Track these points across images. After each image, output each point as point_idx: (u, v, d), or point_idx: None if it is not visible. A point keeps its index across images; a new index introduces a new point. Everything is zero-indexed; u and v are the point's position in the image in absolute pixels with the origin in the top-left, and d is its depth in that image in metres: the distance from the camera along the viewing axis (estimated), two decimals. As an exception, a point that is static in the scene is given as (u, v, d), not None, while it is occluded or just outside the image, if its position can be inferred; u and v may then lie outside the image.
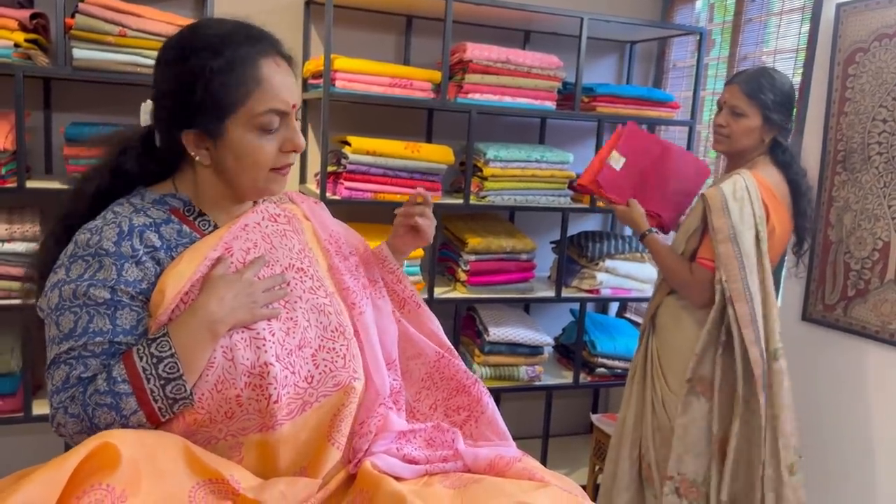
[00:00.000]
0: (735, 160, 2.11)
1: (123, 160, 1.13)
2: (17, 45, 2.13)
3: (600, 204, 2.81)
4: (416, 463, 1.13)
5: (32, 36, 2.20)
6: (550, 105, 2.77)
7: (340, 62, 2.45)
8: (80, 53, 2.18)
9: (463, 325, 2.93)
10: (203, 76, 1.04)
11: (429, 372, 1.35)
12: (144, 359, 0.99)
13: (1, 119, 2.21)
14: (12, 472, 0.98)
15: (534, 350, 2.85)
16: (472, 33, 2.94)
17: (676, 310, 2.15)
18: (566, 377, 3.00)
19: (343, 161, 2.51)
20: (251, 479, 1.01)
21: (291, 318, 1.10)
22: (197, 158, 1.10)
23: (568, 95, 2.87)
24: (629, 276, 2.94)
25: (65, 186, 2.24)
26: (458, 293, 2.76)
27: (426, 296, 2.67)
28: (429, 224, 1.36)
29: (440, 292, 2.74)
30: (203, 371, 1.03)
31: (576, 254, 2.99)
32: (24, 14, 2.15)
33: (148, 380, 0.98)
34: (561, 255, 2.88)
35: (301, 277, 1.17)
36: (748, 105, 2.01)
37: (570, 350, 3.06)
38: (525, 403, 3.36)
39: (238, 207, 1.18)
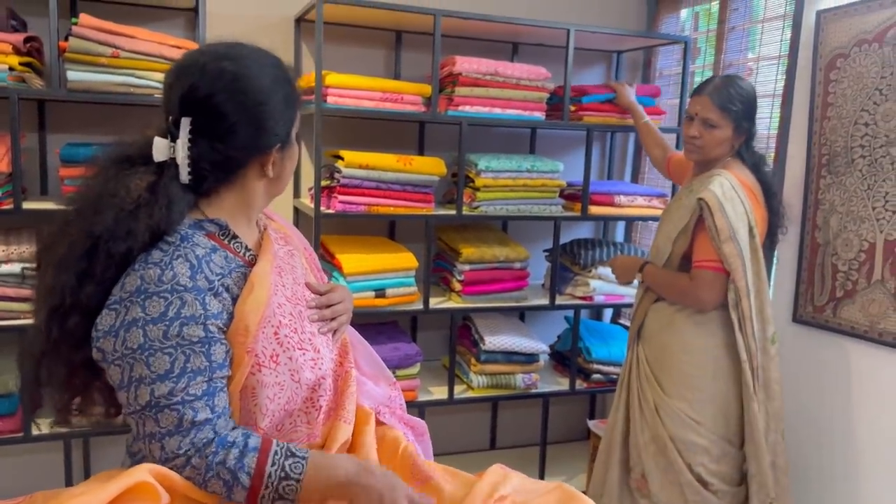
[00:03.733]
0: (704, 164, 2.17)
1: (174, 214, 1.07)
2: (11, 69, 2.16)
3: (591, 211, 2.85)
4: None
5: (27, 59, 2.23)
6: (540, 115, 2.80)
7: (332, 78, 2.49)
8: (75, 75, 2.21)
9: (459, 334, 2.95)
10: (295, 92, 1.18)
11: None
12: (276, 466, 1.02)
13: (-4, 142, 2.23)
14: (12, 494, 1.01)
15: (529, 358, 2.88)
16: (461, 46, 2.98)
17: (668, 315, 2.18)
18: (562, 384, 3.03)
19: (336, 175, 2.54)
20: None
21: (327, 334, 1.22)
22: (270, 174, 1.17)
23: (556, 105, 2.90)
24: (622, 282, 2.97)
25: (61, 207, 2.25)
26: (453, 303, 2.79)
27: (421, 306, 2.69)
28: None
29: (435, 302, 2.76)
30: (275, 394, 1.09)
31: (569, 261, 3.02)
32: (18, 38, 2.18)
33: (266, 486, 1.01)
34: (554, 262, 2.91)
35: (309, 293, 1.27)
36: (720, 117, 2.07)
37: (566, 357, 3.08)
38: (522, 411, 3.38)
39: (252, 224, 1.24)
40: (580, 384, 3.02)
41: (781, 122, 2.54)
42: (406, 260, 2.67)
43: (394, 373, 2.62)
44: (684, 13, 3.23)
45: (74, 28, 2.19)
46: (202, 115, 1.09)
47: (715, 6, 3.00)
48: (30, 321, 2.24)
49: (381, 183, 2.59)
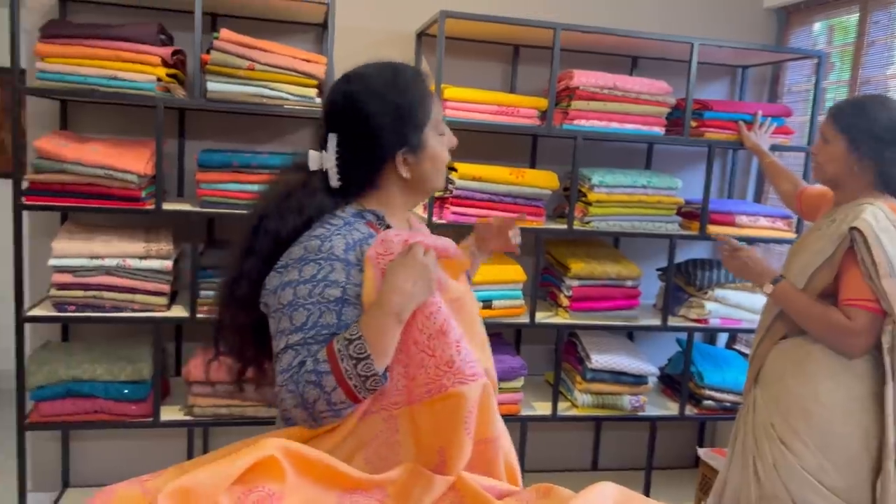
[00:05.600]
0: (842, 193, 1.94)
1: (316, 206, 1.26)
2: (159, 80, 2.34)
3: (711, 233, 2.75)
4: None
5: (172, 71, 2.41)
6: (659, 130, 2.74)
7: (450, 91, 2.53)
8: (214, 86, 2.36)
9: (564, 350, 2.91)
10: (407, 102, 1.27)
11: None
12: (339, 342, 1.12)
13: (143, 147, 2.42)
14: (141, 474, 1.10)
15: (638, 379, 2.80)
16: (579, 60, 2.96)
17: (801, 355, 1.89)
18: (671, 409, 2.92)
19: (449, 186, 2.58)
20: (390, 487, 1.10)
21: (434, 303, 1.19)
22: (405, 175, 1.28)
23: (676, 120, 2.83)
24: (740, 306, 2.84)
25: (196, 209, 2.43)
26: (560, 319, 2.76)
27: (527, 320, 2.68)
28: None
29: (542, 317, 2.74)
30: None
31: (683, 282, 2.92)
32: (167, 51, 2.36)
33: (341, 359, 1.11)
34: (668, 282, 2.82)
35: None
36: (832, 130, 1.90)
37: (676, 381, 2.98)
38: (628, 434, 3.29)
39: (404, 216, 1.38)
40: (690, 410, 2.90)
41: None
42: (514, 272, 2.67)
43: (497, 385, 2.65)
44: (818, 26, 3.07)
45: (216, 42, 2.35)
46: (336, 130, 1.27)
47: (853, 18, 2.83)
48: (164, 314, 2.42)
49: (492, 195, 2.61)
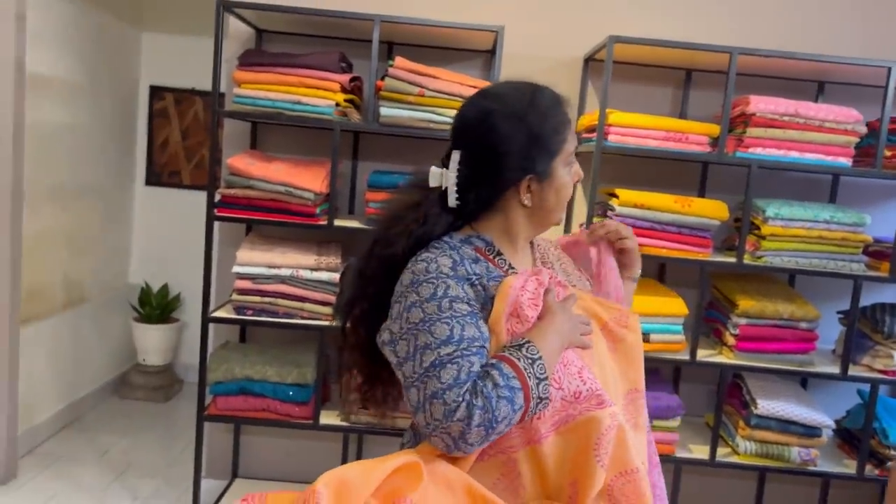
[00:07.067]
0: None
1: (427, 228, 1.24)
2: (337, 105, 2.51)
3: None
4: None
5: (350, 96, 2.57)
6: (846, 161, 2.52)
7: (615, 117, 2.49)
8: (386, 111, 2.49)
9: (727, 393, 2.73)
10: (543, 128, 1.22)
11: None
12: (521, 360, 1.10)
13: (319, 167, 2.60)
14: (297, 470, 1.20)
15: (810, 431, 2.57)
16: (756, 85, 2.80)
17: None
18: (848, 466, 2.65)
19: (609, 213, 2.53)
20: None
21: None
22: (525, 203, 1.25)
23: (866, 150, 2.59)
24: (937, 359, 2.53)
25: (364, 226, 2.56)
26: (724, 358, 2.59)
27: (687, 357, 2.55)
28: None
29: (704, 355, 2.59)
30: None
31: (868, 328, 2.65)
32: (345, 78, 2.52)
33: (528, 377, 1.09)
34: (850, 327, 2.57)
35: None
36: None
37: (856, 436, 2.69)
38: (794, 488, 3.02)
39: (524, 245, 1.32)
40: (870, 470, 2.61)
41: None
42: (675, 306, 2.55)
43: (651, 423, 2.54)
44: None
45: (390, 70, 2.48)
46: (462, 147, 1.24)
47: None
48: (329, 322, 2.56)
49: (655, 223, 2.52)
